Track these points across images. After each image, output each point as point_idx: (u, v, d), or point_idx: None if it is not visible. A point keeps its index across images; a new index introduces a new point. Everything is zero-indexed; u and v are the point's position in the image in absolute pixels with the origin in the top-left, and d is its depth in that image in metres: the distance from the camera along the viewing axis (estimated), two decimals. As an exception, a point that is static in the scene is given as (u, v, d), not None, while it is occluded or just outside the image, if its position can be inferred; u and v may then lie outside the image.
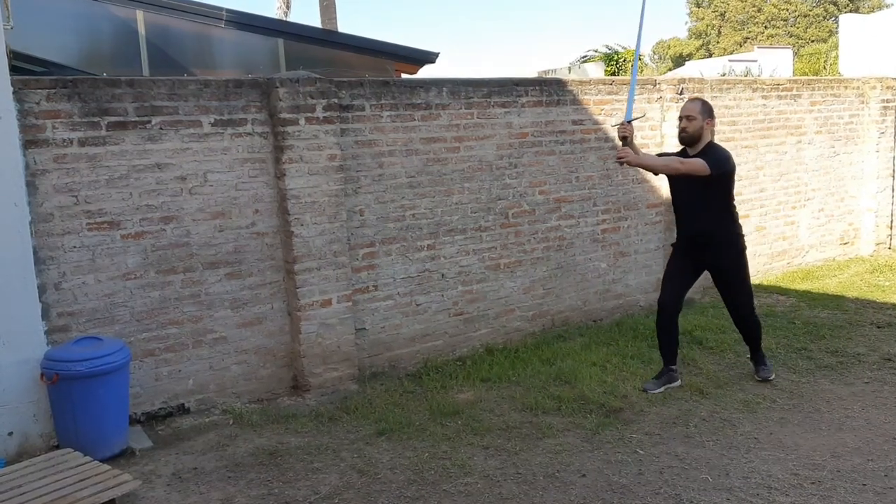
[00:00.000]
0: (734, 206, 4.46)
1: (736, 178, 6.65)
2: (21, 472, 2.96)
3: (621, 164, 4.21)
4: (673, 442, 3.71)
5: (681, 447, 3.64)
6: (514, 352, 5.11)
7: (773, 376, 4.49)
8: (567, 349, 5.11)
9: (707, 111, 4.32)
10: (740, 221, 4.54)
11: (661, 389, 4.36)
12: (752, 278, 6.92)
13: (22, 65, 5.45)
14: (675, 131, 6.04)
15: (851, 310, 5.94)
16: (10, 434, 3.65)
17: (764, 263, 7.13)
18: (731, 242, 4.45)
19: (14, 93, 3.62)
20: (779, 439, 3.70)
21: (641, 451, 3.61)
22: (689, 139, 4.33)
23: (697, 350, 5.07)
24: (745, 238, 4.56)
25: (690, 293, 6.22)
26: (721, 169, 4.24)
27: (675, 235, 4.62)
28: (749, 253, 6.91)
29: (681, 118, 4.36)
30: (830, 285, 6.76)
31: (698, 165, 4.19)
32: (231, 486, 3.38)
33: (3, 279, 3.59)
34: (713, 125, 4.38)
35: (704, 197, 4.29)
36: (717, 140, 6.40)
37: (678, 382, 4.44)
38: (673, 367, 4.47)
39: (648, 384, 4.41)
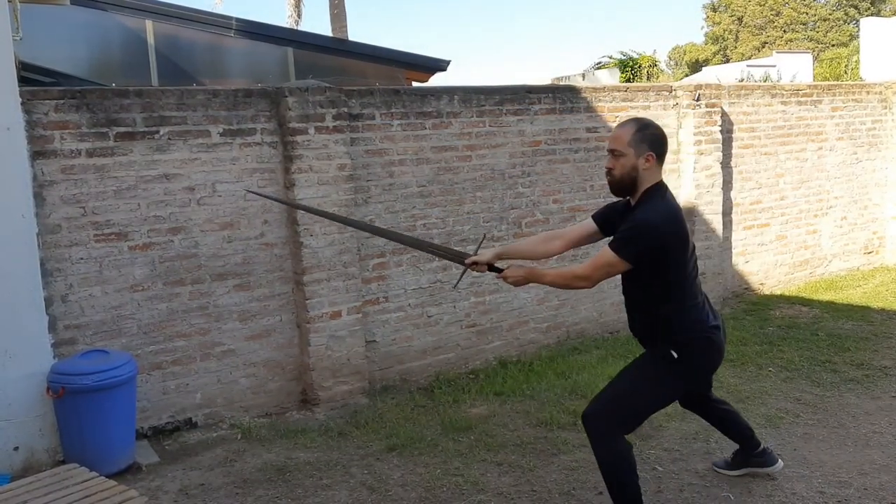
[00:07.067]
0: (687, 295, 2.78)
1: (752, 190, 6.63)
2: (27, 488, 2.91)
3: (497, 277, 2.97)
4: (693, 458, 3.60)
5: (701, 464, 3.54)
6: (528, 365, 5.01)
7: None
8: (583, 362, 5.01)
9: (646, 139, 2.68)
10: (699, 311, 2.82)
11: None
12: (773, 288, 6.86)
13: (31, 75, 5.48)
14: (692, 139, 6.00)
15: (877, 321, 5.78)
16: (16, 449, 3.61)
17: (785, 273, 6.97)
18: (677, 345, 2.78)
19: (22, 104, 3.61)
20: (803, 456, 3.58)
21: (660, 468, 3.51)
22: (616, 187, 2.75)
23: (717, 362, 4.92)
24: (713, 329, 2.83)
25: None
26: (638, 246, 2.62)
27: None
28: (770, 262, 6.90)
29: (608, 151, 2.78)
30: (855, 296, 6.59)
31: (586, 271, 2.75)
32: (238, 503, 3.33)
33: (9, 291, 3.56)
34: (654, 162, 2.69)
35: (639, 278, 2.78)
36: (724, 154, 6.21)
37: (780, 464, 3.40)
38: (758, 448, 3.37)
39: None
